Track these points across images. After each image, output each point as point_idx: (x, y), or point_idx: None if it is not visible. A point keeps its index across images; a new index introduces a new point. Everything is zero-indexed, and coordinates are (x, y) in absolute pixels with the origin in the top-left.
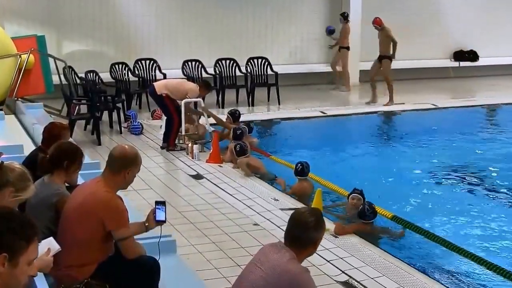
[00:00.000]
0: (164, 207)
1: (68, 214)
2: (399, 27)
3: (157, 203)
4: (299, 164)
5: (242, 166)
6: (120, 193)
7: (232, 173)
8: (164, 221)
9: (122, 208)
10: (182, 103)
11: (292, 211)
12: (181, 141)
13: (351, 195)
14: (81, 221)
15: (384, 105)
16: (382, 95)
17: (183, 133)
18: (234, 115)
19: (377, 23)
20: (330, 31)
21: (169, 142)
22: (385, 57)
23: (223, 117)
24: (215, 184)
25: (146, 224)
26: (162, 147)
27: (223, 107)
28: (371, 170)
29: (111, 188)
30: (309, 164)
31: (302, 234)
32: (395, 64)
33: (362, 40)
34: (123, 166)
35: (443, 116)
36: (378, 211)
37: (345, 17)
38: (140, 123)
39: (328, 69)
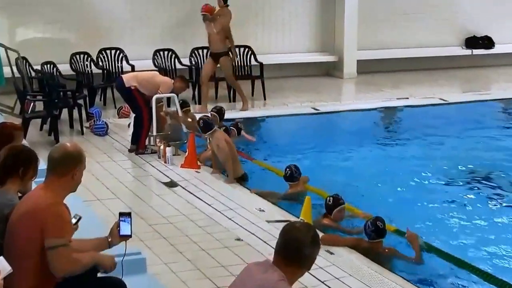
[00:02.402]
0: (129, 219)
1: (10, 228)
2: (402, 11)
3: (121, 214)
4: (287, 169)
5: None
6: (82, 204)
7: (211, 180)
8: (129, 236)
9: (64, 216)
10: (153, 98)
11: (280, 224)
12: (152, 143)
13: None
14: (24, 235)
15: (241, 110)
16: (382, 88)
17: (154, 133)
18: (221, 113)
19: (207, 10)
20: None
21: (139, 144)
22: (223, 54)
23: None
24: (191, 193)
25: (109, 239)
26: (130, 150)
27: (199, 103)
28: (371, 175)
29: (57, 194)
30: (298, 167)
31: (296, 252)
32: (397, 53)
33: (360, 24)
34: (69, 167)
35: (454, 112)
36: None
37: None
38: (105, 122)
39: (322, 58)
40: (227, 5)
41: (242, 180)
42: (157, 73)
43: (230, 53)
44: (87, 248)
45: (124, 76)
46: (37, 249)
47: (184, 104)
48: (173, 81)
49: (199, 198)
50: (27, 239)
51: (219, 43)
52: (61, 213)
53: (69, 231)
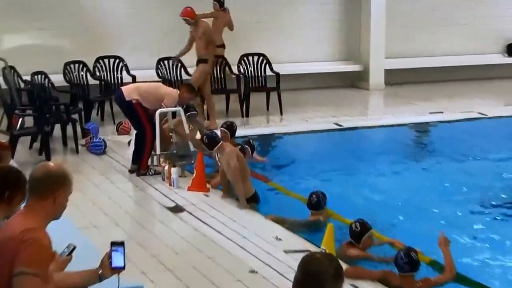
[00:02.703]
0: (122, 249)
1: None
2: (435, 14)
3: (113, 244)
4: (313, 195)
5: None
6: (76, 231)
7: (222, 204)
8: (122, 268)
9: (41, 243)
10: (157, 113)
11: (299, 254)
12: (155, 163)
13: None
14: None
15: (206, 126)
16: (413, 101)
17: (158, 152)
18: (232, 129)
19: (188, 15)
20: None
21: (140, 164)
22: (202, 61)
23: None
24: (199, 219)
25: (100, 271)
26: (131, 171)
27: (208, 118)
28: (400, 199)
29: (37, 219)
30: (325, 195)
31: (316, 287)
32: (430, 61)
33: (388, 30)
34: (50, 189)
35: (494, 127)
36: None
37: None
38: (103, 140)
39: (345, 68)
40: (224, 9)
41: (253, 200)
42: (161, 84)
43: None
44: (74, 281)
45: (124, 88)
46: (6, 282)
47: (190, 109)
48: (178, 92)
49: (208, 225)
50: (4, 275)
51: (201, 49)
52: (38, 240)
53: (46, 260)
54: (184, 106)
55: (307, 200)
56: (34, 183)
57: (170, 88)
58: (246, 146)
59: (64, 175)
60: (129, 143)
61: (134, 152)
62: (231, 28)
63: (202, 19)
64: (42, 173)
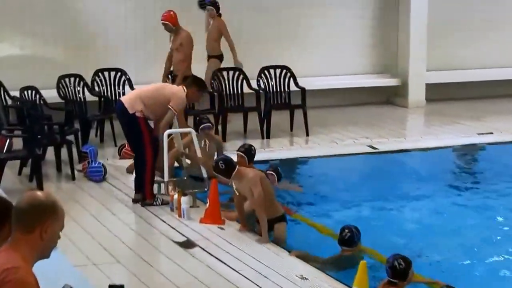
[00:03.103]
0: None
1: None
2: (484, 21)
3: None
4: (346, 230)
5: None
6: (73, 269)
7: (239, 239)
8: None
9: (26, 284)
10: (165, 134)
11: None
12: (162, 191)
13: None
14: None
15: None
16: (459, 120)
17: (166, 179)
18: (250, 153)
19: (169, 19)
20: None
21: (144, 192)
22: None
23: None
24: (212, 255)
25: None
26: (134, 200)
27: (224, 139)
28: (444, 232)
29: (22, 256)
30: (359, 230)
31: None
32: (478, 75)
33: (430, 39)
34: (36, 221)
35: None
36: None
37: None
38: (102, 165)
39: (380, 82)
40: (220, 14)
41: (282, 220)
42: (164, 84)
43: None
44: None
45: (125, 99)
46: None
47: (203, 121)
48: (185, 89)
49: (223, 262)
50: None
51: (176, 62)
52: (21, 280)
53: None
54: (197, 118)
55: (338, 235)
56: (19, 214)
57: (175, 87)
58: (270, 172)
59: (53, 205)
60: (127, 169)
61: (136, 179)
62: (228, 37)
63: (183, 29)
64: (27, 203)
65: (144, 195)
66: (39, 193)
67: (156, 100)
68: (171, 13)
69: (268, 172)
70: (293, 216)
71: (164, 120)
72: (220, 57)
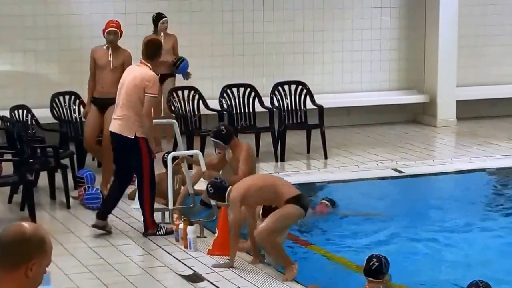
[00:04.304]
0: None
1: None
2: None
3: None
4: (374, 259)
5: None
6: None
7: (251, 272)
8: None
9: None
10: (169, 157)
11: None
12: (167, 220)
13: None
14: None
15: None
16: (493, 141)
17: (171, 206)
18: (221, 135)
19: (119, 28)
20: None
21: (145, 221)
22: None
23: None
24: None
25: None
26: (96, 226)
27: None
28: (479, 263)
29: None
30: (388, 260)
31: None
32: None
33: (460, 52)
34: (23, 258)
35: None
36: None
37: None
38: (100, 191)
39: (406, 99)
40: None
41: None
42: (121, 79)
43: None
44: None
45: (116, 127)
46: None
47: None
48: (148, 65)
49: None
50: None
51: (111, 84)
52: None
53: None
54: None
55: (365, 265)
56: (3, 250)
57: (136, 69)
58: (324, 200)
59: (40, 241)
60: (129, 196)
61: (103, 202)
62: (176, 51)
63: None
64: (12, 237)
65: (145, 224)
66: (25, 226)
67: (133, 94)
68: (117, 22)
69: (322, 200)
70: (307, 247)
71: (147, 108)
72: (174, 74)
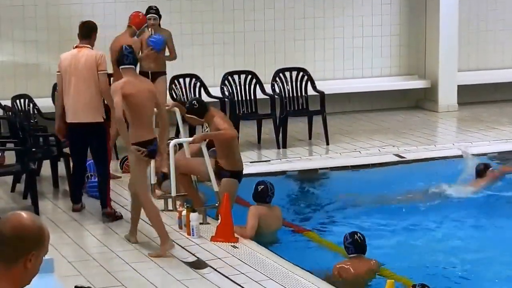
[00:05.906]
0: None
1: None
2: None
3: None
4: (261, 184)
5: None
6: None
7: (255, 258)
8: None
9: None
10: (171, 144)
11: None
12: (170, 207)
13: None
14: None
15: None
16: (496, 125)
17: (173, 194)
18: (193, 108)
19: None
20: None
21: (108, 200)
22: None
23: None
24: (226, 276)
25: None
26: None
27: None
28: (479, 255)
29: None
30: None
31: None
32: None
33: (461, 36)
34: (21, 251)
35: None
36: None
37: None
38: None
39: (407, 85)
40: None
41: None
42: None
43: None
44: None
45: (82, 114)
46: None
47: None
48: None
49: (238, 284)
50: None
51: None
52: None
53: None
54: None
55: (253, 191)
56: (2, 245)
57: (87, 51)
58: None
59: (39, 233)
60: None
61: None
62: (171, 48)
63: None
64: (10, 230)
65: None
66: (24, 219)
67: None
68: (140, 14)
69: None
70: (304, 234)
71: (103, 84)
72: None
